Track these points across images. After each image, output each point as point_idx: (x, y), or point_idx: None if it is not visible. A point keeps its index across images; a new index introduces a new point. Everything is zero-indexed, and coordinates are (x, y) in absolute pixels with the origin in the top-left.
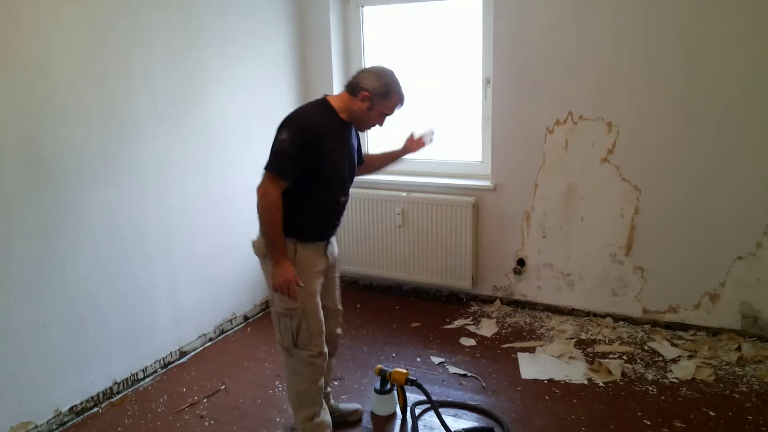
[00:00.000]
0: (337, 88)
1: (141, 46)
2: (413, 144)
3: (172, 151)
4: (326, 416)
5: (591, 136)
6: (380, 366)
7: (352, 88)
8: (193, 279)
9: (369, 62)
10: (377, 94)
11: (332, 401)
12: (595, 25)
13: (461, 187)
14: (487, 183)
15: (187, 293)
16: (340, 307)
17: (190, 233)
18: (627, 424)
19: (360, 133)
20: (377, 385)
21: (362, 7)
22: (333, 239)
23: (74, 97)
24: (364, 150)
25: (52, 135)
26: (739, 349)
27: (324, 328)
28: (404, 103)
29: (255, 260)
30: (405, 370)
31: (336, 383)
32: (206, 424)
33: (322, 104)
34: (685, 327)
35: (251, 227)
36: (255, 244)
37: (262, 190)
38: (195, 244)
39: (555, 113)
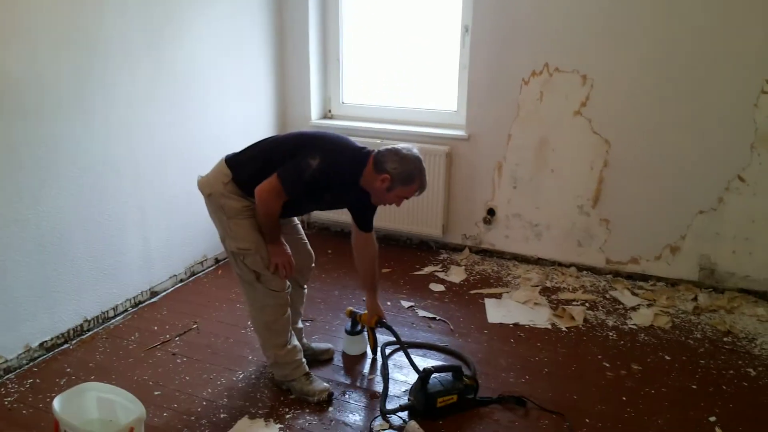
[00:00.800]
0: (313, 37)
1: None
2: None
3: (144, 87)
4: (296, 341)
5: (565, 89)
6: (351, 308)
7: (377, 165)
8: (164, 219)
9: (346, 10)
10: (399, 179)
11: (305, 340)
12: None
13: (435, 136)
14: (461, 132)
15: (158, 233)
16: (300, 235)
17: (162, 172)
18: (588, 366)
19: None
20: (348, 326)
21: None
22: None
23: (44, 27)
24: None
25: (21, 65)
26: (695, 299)
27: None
28: (425, 190)
29: None
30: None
31: (308, 324)
32: (178, 360)
33: (355, 168)
34: (645, 277)
35: None
36: (200, 183)
37: (265, 196)
38: (166, 184)
39: (531, 64)
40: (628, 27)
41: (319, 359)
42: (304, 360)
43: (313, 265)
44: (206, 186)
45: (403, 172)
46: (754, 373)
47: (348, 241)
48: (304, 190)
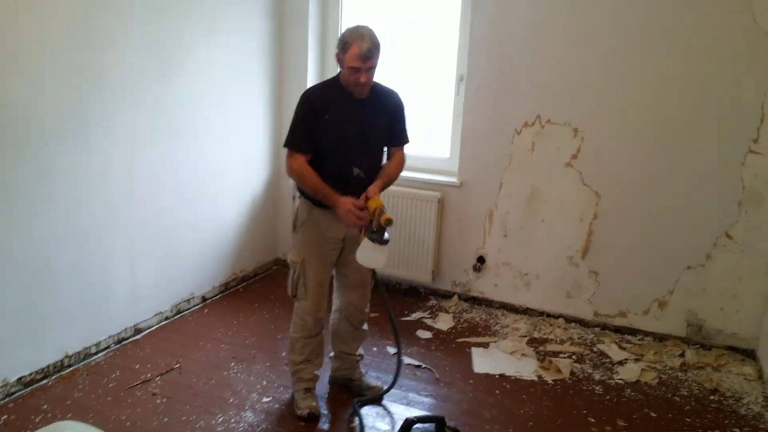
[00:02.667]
0: (312, 67)
1: (121, 9)
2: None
3: (144, 120)
4: (307, 371)
5: (557, 141)
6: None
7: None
8: (153, 255)
9: None
10: (339, 50)
11: (361, 370)
12: (570, 33)
13: (428, 182)
14: (453, 179)
15: (146, 269)
16: (366, 285)
17: (155, 207)
18: (573, 421)
19: (394, 109)
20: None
21: None
22: None
23: (47, 57)
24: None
25: (23, 97)
26: (682, 355)
27: (323, 290)
28: (369, 51)
29: (218, 240)
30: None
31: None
32: (158, 401)
33: (333, 79)
34: (633, 331)
35: (217, 206)
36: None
37: (287, 167)
38: (159, 218)
39: (524, 115)
40: (621, 83)
41: (364, 394)
42: (311, 379)
43: (363, 309)
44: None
45: (339, 42)
46: None
47: None
48: (308, 135)
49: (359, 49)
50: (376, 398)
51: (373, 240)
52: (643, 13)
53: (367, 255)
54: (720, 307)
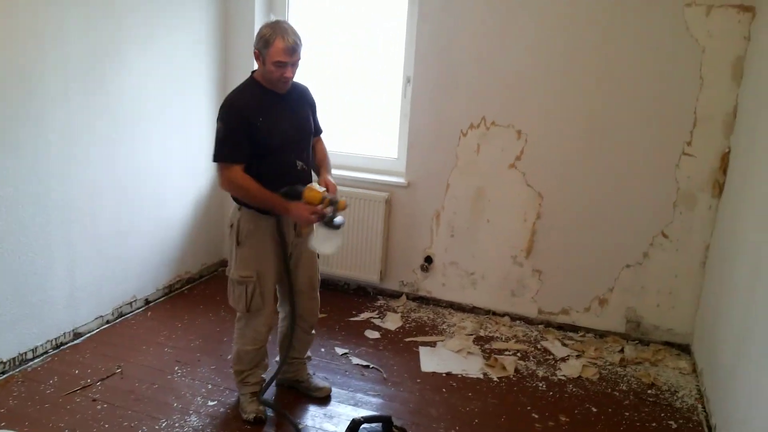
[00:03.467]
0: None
1: (54, 5)
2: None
3: (80, 121)
4: (254, 376)
5: (501, 142)
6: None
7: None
8: (93, 257)
9: None
10: (260, 47)
11: (308, 372)
12: (513, 37)
13: (376, 183)
14: (401, 180)
15: (85, 271)
16: (316, 288)
17: (94, 208)
18: (517, 417)
19: (311, 101)
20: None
21: None
22: None
23: None
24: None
25: None
26: (622, 351)
27: (273, 302)
28: (295, 44)
29: (162, 242)
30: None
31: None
32: (99, 407)
33: (248, 82)
34: (575, 328)
35: (159, 208)
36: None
37: (222, 181)
38: (98, 220)
39: (470, 117)
40: (562, 88)
41: (311, 395)
42: (257, 383)
43: (318, 309)
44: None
45: (259, 39)
46: (675, 425)
47: None
48: (240, 145)
49: (284, 43)
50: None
51: (329, 226)
52: (582, 20)
53: (323, 242)
54: (657, 304)
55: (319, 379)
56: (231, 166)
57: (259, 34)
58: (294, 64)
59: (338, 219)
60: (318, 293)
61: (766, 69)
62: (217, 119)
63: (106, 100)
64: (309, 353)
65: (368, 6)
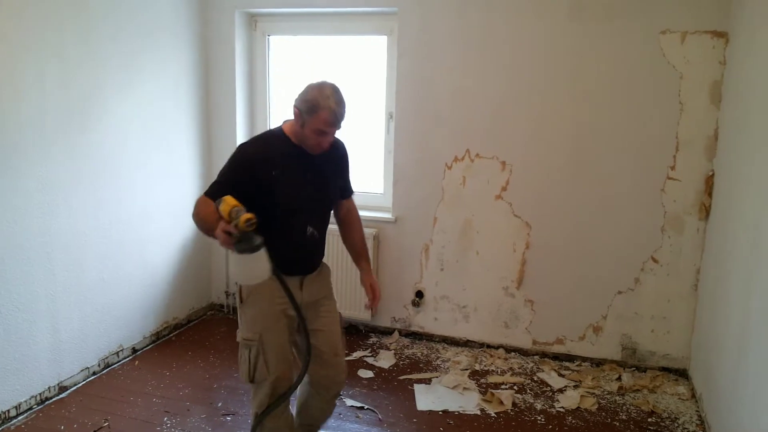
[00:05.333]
0: (240, 115)
1: (32, 57)
2: (368, 289)
3: (61, 170)
4: None
5: (486, 174)
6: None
7: (293, 108)
8: (77, 307)
9: (274, 91)
10: (304, 109)
11: None
12: (491, 70)
13: (363, 219)
14: (388, 215)
15: (69, 323)
16: (339, 353)
17: (77, 258)
18: None
19: (343, 159)
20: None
21: (268, 35)
22: (318, 276)
23: None
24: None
25: None
26: (619, 378)
27: (287, 365)
28: (339, 118)
29: (147, 288)
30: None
31: (229, 418)
32: None
33: (276, 131)
34: (571, 358)
35: (144, 254)
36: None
37: (194, 210)
38: (81, 270)
39: (453, 150)
40: (544, 117)
41: None
42: None
43: (344, 377)
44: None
45: (305, 101)
46: None
47: None
48: (230, 184)
49: (330, 114)
50: None
51: (242, 251)
52: (560, 50)
53: (242, 270)
54: (651, 329)
55: None
56: (206, 195)
57: (305, 95)
58: (334, 134)
59: (256, 240)
60: (342, 358)
61: (743, 92)
62: (229, 157)
63: (87, 149)
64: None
65: (348, 44)
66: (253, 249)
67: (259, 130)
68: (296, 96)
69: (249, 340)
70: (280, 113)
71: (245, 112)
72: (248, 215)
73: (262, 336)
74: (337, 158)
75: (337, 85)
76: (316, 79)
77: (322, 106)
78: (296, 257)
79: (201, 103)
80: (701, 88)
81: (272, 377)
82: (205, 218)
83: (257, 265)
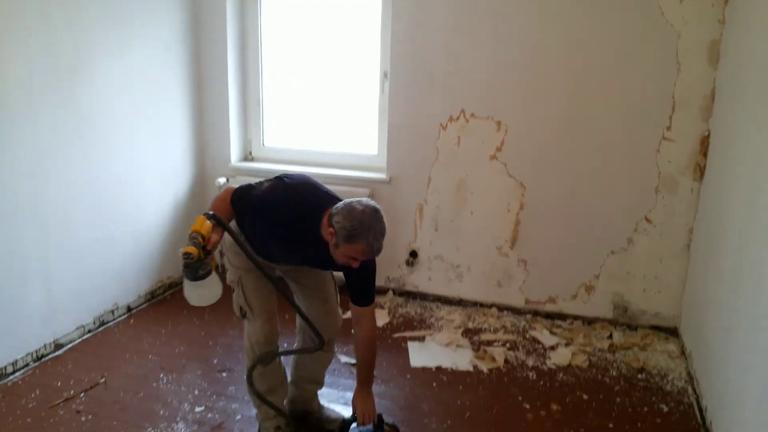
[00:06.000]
0: (231, 73)
1: (18, 19)
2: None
3: (51, 136)
4: (279, 398)
5: (481, 134)
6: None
7: (330, 217)
8: (70, 266)
9: (266, 53)
10: (341, 235)
11: (320, 403)
12: (487, 30)
13: (357, 179)
14: (382, 176)
15: (62, 281)
16: (329, 301)
17: (69, 218)
18: (509, 408)
19: (368, 274)
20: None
21: None
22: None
23: None
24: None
25: None
26: (610, 336)
27: (270, 309)
28: (376, 252)
29: (140, 248)
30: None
31: (225, 374)
32: (83, 419)
33: (316, 206)
34: (563, 316)
35: (136, 214)
36: None
37: (220, 195)
38: (74, 230)
39: (448, 110)
40: (539, 78)
41: (324, 428)
42: (279, 415)
43: (337, 324)
44: None
45: (344, 228)
46: (667, 409)
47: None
48: (251, 205)
49: (368, 248)
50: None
51: (185, 275)
52: (556, 9)
53: (189, 293)
54: (643, 288)
55: (332, 411)
56: (229, 193)
57: (346, 219)
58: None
59: (190, 270)
60: (334, 306)
61: (742, 52)
62: (273, 181)
63: (76, 111)
64: (323, 380)
65: (342, 3)
66: (195, 278)
67: (250, 92)
68: (336, 211)
69: (232, 282)
70: (272, 76)
71: (236, 74)
72: (189, 249)
73: (241, 279)
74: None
75: (380, 210)
76: (358, 201)
77: (361, 239)
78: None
79: (191, 66)
80: (699, 48)
81: (257, 321)
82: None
83: (203, 292)
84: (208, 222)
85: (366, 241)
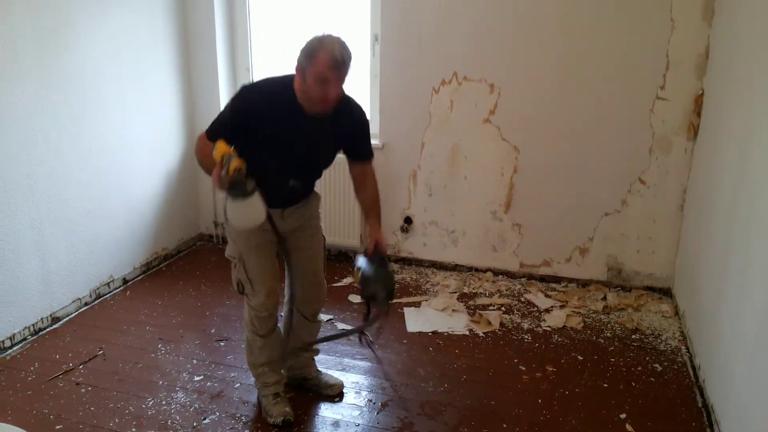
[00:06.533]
0: (220, 39)
1: None
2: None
3: (38, 98)
4: (272, 374)
5: (474, 97)
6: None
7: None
8: (64, 238)
9: (254, 13)
10: (304, 60)
11: (317, 369)
12: None
13: None
14: (375, 142)
15: (57, 254)
16: (319, 274)
17: (59, 188)
18: (505, 371)
19: (355, 125)
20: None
21: None
22: (303, 206)
23: None
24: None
25: None
26: (604, 298)
27: (272, 283)
28: (340, 62)
29: (133, 219)
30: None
31: (223, 343)
32: (83, 390)
33: (286, 82)
34: (557, 279)
35: (128, 184)
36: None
37: (197, 145)
38: (65, 202)
39: (441, 73)
40: (532, 38)
41: (322, 393)
42: (277, 381)
43: (324, 296)
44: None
45: (303, 51)
46: (660, 368)
47: None
48: (233, 129)
49: (330, 56)
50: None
51: (234, 197)
52: None
53: (235, 215)
54: (637, 249)
55: (329, 376)
56: (207, 140)
57: (305, 46)
58: (338, 83)
59: (238, 188)
60: (322, 279)
61: (737, 8)
62: (234, 95)
63: (61, 77)
64: (318, 347)
65: None
66: (245, 195)
67: (239, 58)
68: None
69: (232, 257)
70: (259, 35)
71: (225, 39)
72: (237, 164)
73: (242, 255)
74: (348, 126)
75: (341, 38)
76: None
77: (321, 50)
78: (276, 199)
79: (179, 31)
80: (693, 5)
81: (258, 295)
82: (203, 159)
83: (251, 210)
84: (227, 146)
85: (326, 50)
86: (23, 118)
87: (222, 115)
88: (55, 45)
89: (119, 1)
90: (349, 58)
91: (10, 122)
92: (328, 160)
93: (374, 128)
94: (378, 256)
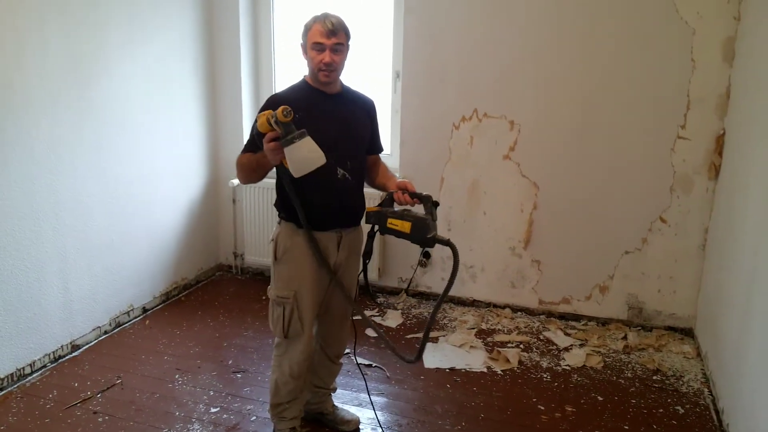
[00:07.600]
0: (245, 71)
1: (34, 13)
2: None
3: (66, 130)
4: (292, 410)
5: (494, 133)
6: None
7: None
8: (86, 267)
9: (278, 48)
10: (303, 38)
11: (334, 404)
12: (501, 27)
13: None
14: (395, 175)
15: (79, 282)
16: (348, 317)
17: (86, 217)
18: (523, 410)
19: (371, 114)
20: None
21: None
22: (354, 233)
23: None
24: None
25: None
26: (625, 337)
27: (315, 322)
28: (333, 26)
29: (154, 249)
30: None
31: (240, 375)
32: (100, 419)
33: (298, 82)
34: (577, 317)
35: (151, 214)
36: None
37: (237, 172)
38: (89, 230)
39: (461, 109)
40: (553, 75)
41: (338, 429)
42: (295, 417)
43: (348, 337)
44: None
45: (303, 30)
46: (683, 411)
47: None
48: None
49: (322, 24)
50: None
51: (291, 140)
52: (570, 7)
53: (299, 160)
54: (658, 289)
55: (346, 412)
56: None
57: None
58: (335, 49)
59: (291, 131)
60: (349, 322)
61: (758, 48)
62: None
63: (91, 107)
64: (335, 384)
65: (354, 0)
66: (301, 135)
67: (264, 88)
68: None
69: (284, 298)
70: (284, 69)
71: (250, 68)
72: (282, 106)
73: (296, 294)
74: (365, 107)
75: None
76: None
77: (314, 22)
78: (330, 204)
79: (206, 61)
80: (714, 45)
81: (306, 336)
82: (247, 163)
83: (310, 152)
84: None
85: (319, 20)
86: (54, 149)
87: (252, 134)
88: (85, 74)
89: (149, 29)
90: (342, 26)
91: (42, 151)
92: (364, 136)
93: (395, 162)
94: (418, 194)
